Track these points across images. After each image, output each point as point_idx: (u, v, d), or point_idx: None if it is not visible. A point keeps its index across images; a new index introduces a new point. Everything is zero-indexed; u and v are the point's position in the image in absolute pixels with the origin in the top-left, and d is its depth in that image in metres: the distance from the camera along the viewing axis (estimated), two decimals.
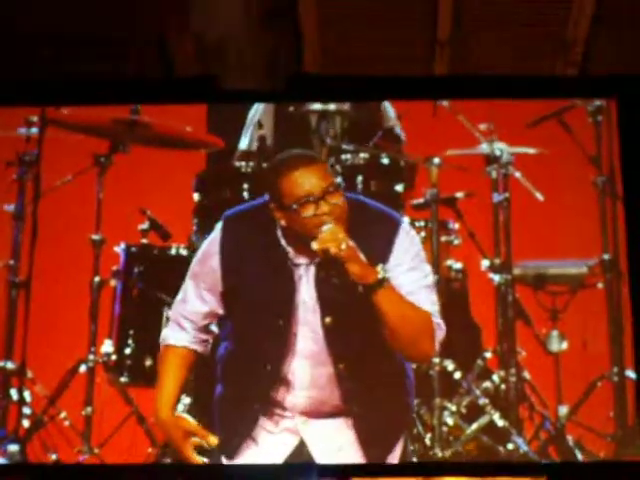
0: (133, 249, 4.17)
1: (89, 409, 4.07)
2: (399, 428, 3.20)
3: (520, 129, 4.22)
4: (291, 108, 4.37)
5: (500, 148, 4.25)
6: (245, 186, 4.13)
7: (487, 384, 4.12)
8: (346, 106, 4.35)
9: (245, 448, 3.12)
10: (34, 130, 4.19)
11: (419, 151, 4.28)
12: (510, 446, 3.99)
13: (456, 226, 4.26)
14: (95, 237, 4.17)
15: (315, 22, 5.14)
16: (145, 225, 4.17)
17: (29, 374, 4.07)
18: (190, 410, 3.90)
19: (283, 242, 3.04)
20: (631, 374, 3.99)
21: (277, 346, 3.06)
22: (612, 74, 4.38)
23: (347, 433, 3.11)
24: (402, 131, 4.39)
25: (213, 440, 3.07)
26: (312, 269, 3.04)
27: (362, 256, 2.92)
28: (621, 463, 3.95)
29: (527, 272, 4.24)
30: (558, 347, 4.16)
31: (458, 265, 4.25)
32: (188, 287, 3.17)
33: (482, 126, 4.30)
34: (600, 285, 4.16)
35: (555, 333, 4.18)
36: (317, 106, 4.33)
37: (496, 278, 4.19)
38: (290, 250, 3.04)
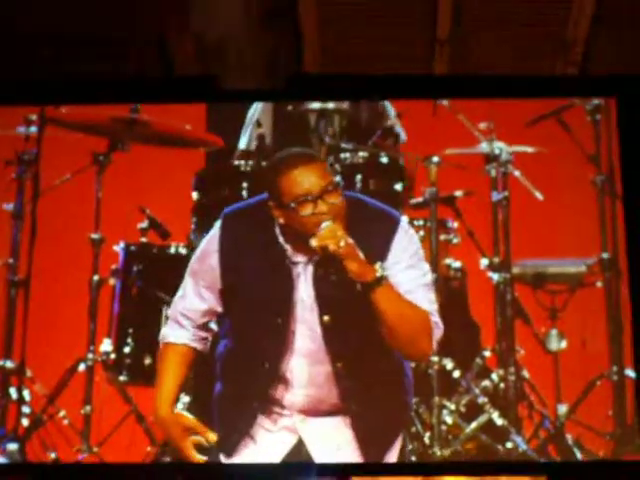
0: (132, 248, 4.17)
1: (88, 408, 4.08)
2: (397, 426, 3.20)
3: (519, 128, 4.22)
4: (290, 107, 4.37)
5: (499, 147, 4.25)
6: (244, 185, 4.14)
7: (486, 383, 4.13)
8: (345, 105, 4.36)
9: (243, 446, 3.12)
10: (33, 129, 4.19)
11: (418, 150, 4.28)
12: (509, 445, 3.99)
13: (455, 225, 4.26)
14: (94, 236, 4.18)
15: (315, 22, 5.14)
16: (144, 224, 4.18)
17: (28, 373, 4.07)
18: (189, 408, 3.91)
19: (281, 240, 3.04)
20: (630, 373, 3.99)
21: (275, 344, 3.06)
22: (612, 74, 4.38)
23: (345, 431, 3.11)
24: (402, 130, 4.39)
25: (212, 437, 3.07)
26: (310, 267, 3.04)
27: (361, 254, 2.92)
28: (621, 462, 3.95)
29: (526, 271, 4.24)
30: (557, 346, 4.16)
31: (457, 264, 4.25)
32: (187, 285, 3.17)
33: (481, 125, 4.30)
34: (599, 284, 4.17)
35: (554, 332, 4.18)
36: (316, 105, 4.34)
37: (495, 277, 4.19)
38: (288, 248, 3.04)
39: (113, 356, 4.12)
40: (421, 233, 4.18)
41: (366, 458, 3.10)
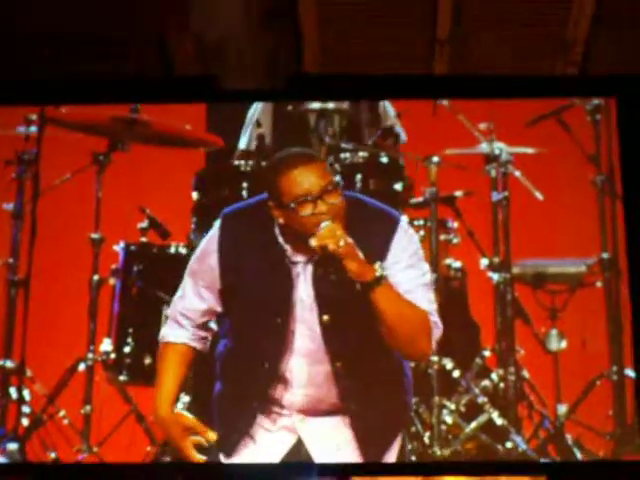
0: (132, 247, 4.18)
1: (88, 408, 4.08)
2: (397, 426, 3.19)
3: (519, 128, 4.22)
4: (290, 107, 4.37)
5: (499, 147, 4.25)
6: (244, 185, 4.14)
7: (486, 383, 4.13)
8: (345, 105, 4.36)
9: (243, 446, 3.12)
10: (33, 129, 4.20)
11: (418, 150, 4.28)
12: (509, 445, 3.99)
13: (455, 225, 4.26)
14: (94, 236, 4.18)
15: (315, 22, 5.14)
16: (144, 224, 4.18)
17: (28, 373, 4.07)
18: (189, 408, 3.91)
19: (281, 240, 3.04)
20: (630, 373, 3.99)
21: (275, 344, 3.06)
22: (612, 74, 4.37)
23: (344, 431, 3.11)
24: (402, 130, 4.39)
25: (212, 436, 3.07)
26: (310, 267, 3.04)
27: (360, 253, 2.92)
28: (620, 462, 3.95)
29: (526, 271, 4.25)
30: (557, 346, 4.16)
31: (457, 264, 4.26)
32: (186, 285, 3.17)
33: (482, 125, 4.30)
34: (599, 284, 4.17)
35: (554, 332, 4.18)
36: (316, 105, 4.34)
37: (495, 277, 4.19)
38: (288, 248, 3.04)
39: (113, 356, 4.12)
40: (421, 233, 4.18)
41: (365, 458, 3.10)
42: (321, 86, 4.46)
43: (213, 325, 3.17)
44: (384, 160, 4.24)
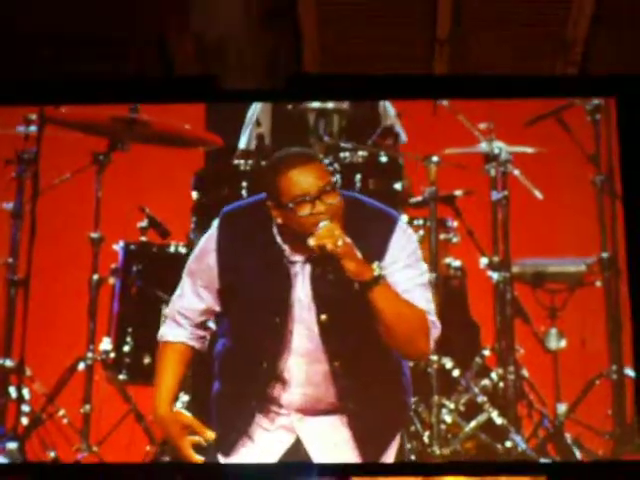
0: (132, 247, 4.18)
1: (88, 407, 4.08)
2: (395, 426, 3.19)
3: (519, 128, 4.22)
4: (289, 106, 4.37)
5: (499, 146, 4.25)
6: (244, 184, 4.14)
7: (485, 382, 4.13)
8: (344, 104, 4.36)
9: (241, 445, 3.12)
10: (33, 128, 4.20)
11: (418, 149, 4.28)
12: (508, 444, 3.99)
13: (455, 224, 4.27)
14: (94, 235, 4.18)
15: (315, 21, 5.14)
16: (144, 223, 4.19)
17: (28, 372, 4.07)
18: (188, 407, 3.91)
19: (279, 239, 3.04)
20: (629, 372, 3.99)
21: (273, 343, 3.06)
22: (612, 74, 4.37)
23: (343, 431, 3.10)
24: (402, 129, 4.39)
25: (210, 435, 3.07)
26: (308, 266, 3.04)
27: (358, 253, 2.92)
28: (620, 462, 3.94)
29: (526, 270, 4.25)
30: (557, 345, 4.16)
31: (457, 263, 4.26)
32: (185, 284, 3.17)
33: (481, 125, 4.30)
34: (598, 283, 4.17)
35: (554, 331, 4.18)
36: (315, 104, 4.34)
37: (495, 276, 4.19)
38: (286, 247, 3.04)
39: (112, 355, 4.13)
40: (421, 232, 4.18)
41: (363, 457, 3.10)
42: (321, 86, 4.46)
43: (211, 324, 3.17)
44: (383, 159, 4.24)
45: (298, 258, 3.04)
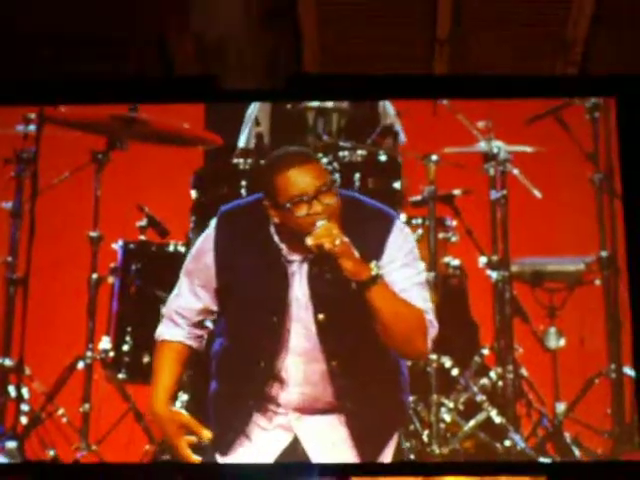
0: (131, 246, 4.18)
1: (87, 406, 4.08)
2: (392, 425, 3.20)
3: (518, 127, 4.22)
4: (288, 105, 4.37)
5: (498, 146, 4.25)
6: (243, 183, 4.14)
7: (484, 381, 4.12)
8: (344, 103, 4.36)
9: (239, 445, 3.13)
10: (32, 127, 4.19)
11: (417, 148, 4.28)
12: (507, 443, 3.99)
13: (454, 223, 4.26)
14: (93, 234, 4.18)
15: (315, 21, 5.14)
16: (143, 222, 4.19)
17: (27, 371, 4.07)
18: (187, 407, 3.91)
19: (276, 239, 3.05)
20: (629, 371, 3.99)
21: (271, 343, 3.07)
22: (612, 74, 4.37)
23: (340, 430, 3.11)
24: (401, 129, 4.39)
25: (207, 434, 3.08)
26: (305, 266, 3.04)
27: (356, 252, 2.93)
28: (620, 462, 3.94)
29: (525, 269, 4.24)
30: (556, 344, 4.15)
31: (456, 262, 4.26)
32: (182, 283, 3.18)
33: (480, 124, 4.30)
34: (598, 282, 4.16)
35: (552, 330, 4.18)
36: (314, 103, 4.34)
37: (494, 275, 4.19)
38: (283, 247, 3.04)
39: (112, 354, 4.12)
40: (420, 231, 4.18)
41: (361, 456, 3.11)
42: (321, 86, 4.46)
43: (209, 324, 3.18)
44: (383, 158, 4.24)
45: (295, 257, 3.04)
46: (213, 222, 3.14)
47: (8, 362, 4.06)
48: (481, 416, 4.06)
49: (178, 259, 3.97)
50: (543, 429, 4.05)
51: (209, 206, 4.07)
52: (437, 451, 4.00)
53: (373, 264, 2.94)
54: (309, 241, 2.92)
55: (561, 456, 3.99)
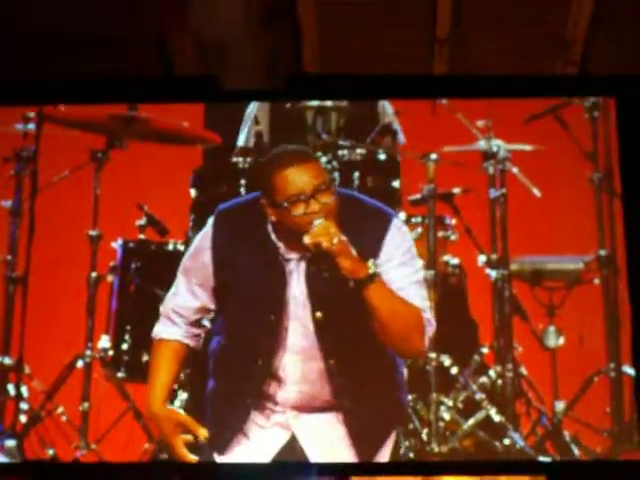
0: (130, 245, 4.18)
1: (86, 404, 4.08)
2: (390, 423, 3.20)
3: (517, 126, 4.22)
4: (288, 104, 4.37)
5: (497, 144, 4.25)
6: (242, 182, 4.14)
7: (484, 379, 4.12)
8: (343, 102, 4.36)
9: (236, 443, 3.13)
10: (31, 126, 4.20)
11: (417, 147, 4.28)
12: (507, 441, 3.99)
13: (453, 222, 4.26)
14: (92, 233, 4.18)
15: (314, 21, 5.15)
16: (142, 221, 4.19)
17: (26, 369, 4.07)
18: (187, 405, 3.91)
19: (274, 237, 3.05)
20: (628, 369, 3.99)
21: (268, 341, 3.07)
22: (612, 74, 4.38)
23: (338, 428, 3.11)
24: (400, 128, 4.39)
25: (203, 433, 3.08)
26: (303, 264, 3.04)
27: (353, 251, 2.93)
28: (620, 462, 3.94)
29: (524, 268, 4.24)
30: (555, 343, 4.15)
31: (455, 261, 4.26)
32: (179, 282, 3.18)
33: (479, 123, 4.30)
34: (597, 281, 4.16)
35: (552, 329, 4.17)
36: (314, 102, 4.34)
37: (493, 274, 4.19)
38: (281, 245, 3.04)
39: (111, 353, 4.13)
40: (419, 230, 4.18)
41: (359, 454, 3.11)
42: (321, 86, 4.46)
43: (206, 322, 3.18)
44: (382, 157, 4.25)
45: (293, 255, 3.04)
46: (210, 220, 3.14)
47: (7, 360, 4.07)
48: (480, 415, 4.06)
49: (177, 258, 3.92)
50: (542, 428, 4.05)
51: (208, 205, 4.06)
52: (436, 449, 4.00)
53: (371, 262, 2.94)
54: (307, 239, 2.93)
55: (560, 455, 3.98)
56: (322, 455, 3.12)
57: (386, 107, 4.39)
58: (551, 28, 5.15)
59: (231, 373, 3.12)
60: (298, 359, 3.07)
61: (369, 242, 3.01)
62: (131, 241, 4.18)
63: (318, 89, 4.43)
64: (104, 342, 4.13)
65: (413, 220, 4.19)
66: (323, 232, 2.91)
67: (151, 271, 4.14)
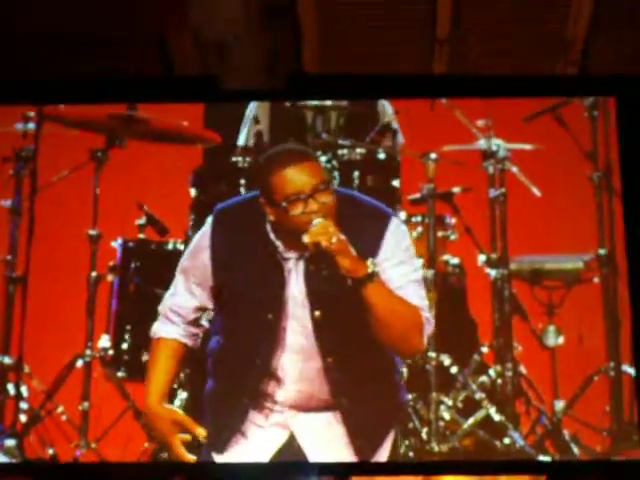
0: (130, 244, 4.18)
1: (86, 404, 4.07)
2: (388, 422, 3.21)
3: (517, 125, 4.22)
4: (287, 104, 4.38)
5: (497, 144, 4.25)
6: (242, 182, 4.14)
7: (483, 379, 4.12)
8: (343, 102, 4.36)
9: (235, 442, 3.14)
10: (31, 126, 4.20)
11: (416, 147, 4.28)
12: (506, 441, 3.98)
13: (453, 221, 4.26)
14: (92, 232, 4.17)
15: (314, 21, 5.14)
16: (142, 220, 4.19)
17: (26, 369, 4.07)
18: (186, 405, 3.91)
19: (272, 236, 3.05)
20: (627, 369, 3.99)
21: (267, 340, 3.08)
22: (612, 74, 4.38)
23: (336, 427, 3.12)
24: (400, 127, 4.39)
25: (201, 432, 3.08)
26: (301, 263, 3.05)
27: (352, 250, 2.93)
28: (620, 462, 3.94)
29: (523, 267, 4.24)
30: (554, 342, 4.15)
31: (455, 260, 4.25)
32: (178, 281, 3.20)
33: (479, 122, 4.30)
34: (596, 280, 4.16)
35: (551, 328, 4.17)
36: (314, 101, 4.34)
37: (492, 273, 4.19)
38: (279, 244, 3.05)
39: (111, 352, 4.12)
40: (419, 229, 4.18)
41: (357, 453, 3.12)
42: (321, 85, 4.47)
43: (204, 322, 3.18)
44: (381, 157, 4.25)
45: (292, 255, 3.05)
46: (209, 220, 3.14)
47: (7, 360, 4.07)
48: (480, 414, 4.05)
49: (177, 257, 3.91)
50: (542, 427, 4.04)
51: (208, 204, 4.04)
52: (436, 449, 3.99)
53: (369, 261, 2.95)
54: (306, 239, 2.93)
55: (560, 454, 3.98)
56: (321, 454, 3.12)
57: (386, 107, 4.40)
58: (551, 28, 5.13)
59: (230, 373, 3.13)
60: (297, 358, 3.07)
61: (368, 241, 3.01)
62: (131, 240, 4.18)
63: (318, 89, 4.43)
64: (104, 341, 4.13)
65: (413, 219, 4.19)
66: (322, 231, 2.92)
67: (151, 270, 4.14)
